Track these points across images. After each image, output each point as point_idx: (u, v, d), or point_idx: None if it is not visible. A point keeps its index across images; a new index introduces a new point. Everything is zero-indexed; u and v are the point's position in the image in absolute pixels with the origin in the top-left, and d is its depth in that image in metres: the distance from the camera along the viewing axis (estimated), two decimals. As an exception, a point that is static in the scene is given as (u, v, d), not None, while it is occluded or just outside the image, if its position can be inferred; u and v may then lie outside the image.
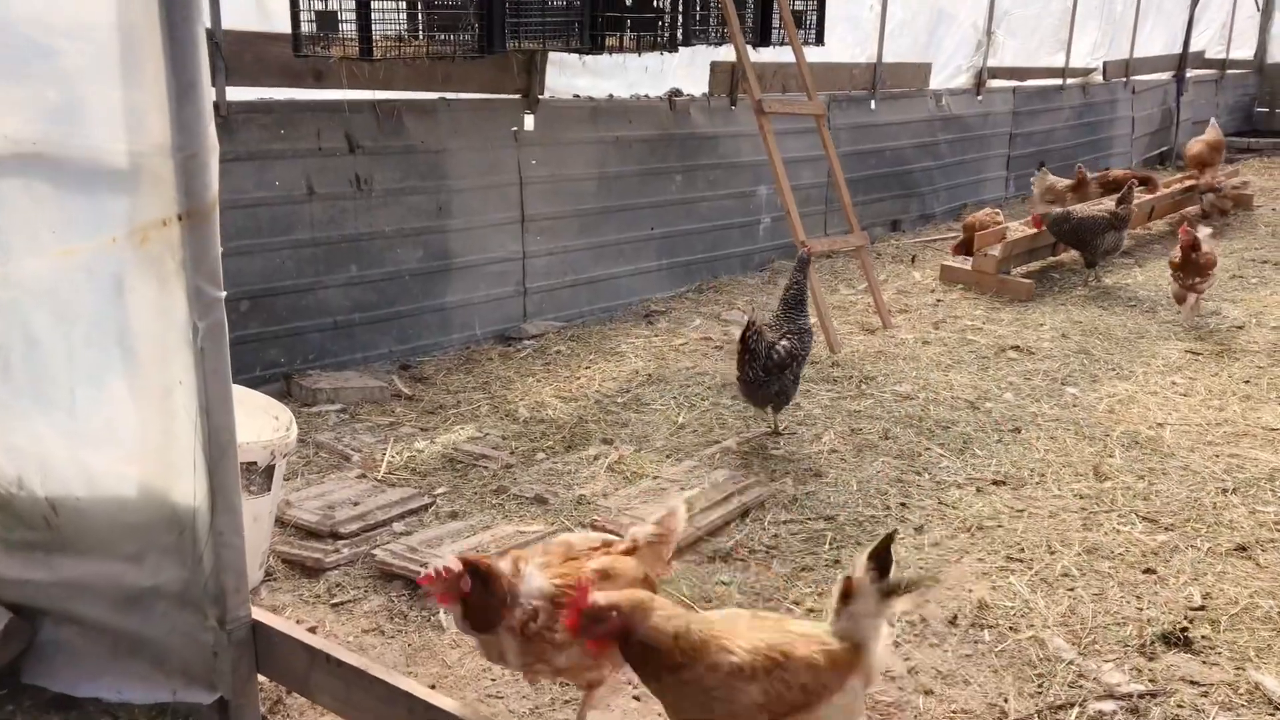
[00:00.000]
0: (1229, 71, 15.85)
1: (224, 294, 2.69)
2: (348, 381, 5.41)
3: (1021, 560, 3.81)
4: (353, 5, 4.84)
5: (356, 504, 4.12)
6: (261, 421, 3.80)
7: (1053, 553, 3.85)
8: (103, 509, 2.96)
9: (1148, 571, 3.72)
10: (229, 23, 5.06)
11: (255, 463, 3.49)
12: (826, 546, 3.91)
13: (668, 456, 4.70)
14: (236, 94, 5.19)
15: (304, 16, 4.98)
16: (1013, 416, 5.22)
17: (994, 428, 5.08)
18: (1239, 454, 4.77)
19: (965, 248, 8.00)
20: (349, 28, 4.95)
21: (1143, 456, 4.73)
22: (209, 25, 4.97)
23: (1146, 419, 5.21)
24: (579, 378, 5.76)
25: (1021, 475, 4.54)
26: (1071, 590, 3.60)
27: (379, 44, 4.94)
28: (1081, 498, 4.32)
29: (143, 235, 2.64)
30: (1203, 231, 6.97)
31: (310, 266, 5.56)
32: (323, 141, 5.50)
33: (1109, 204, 8.07)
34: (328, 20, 4.96)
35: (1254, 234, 9.77)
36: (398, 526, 4.03)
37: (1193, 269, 6.70)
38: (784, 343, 4.80)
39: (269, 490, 3.58)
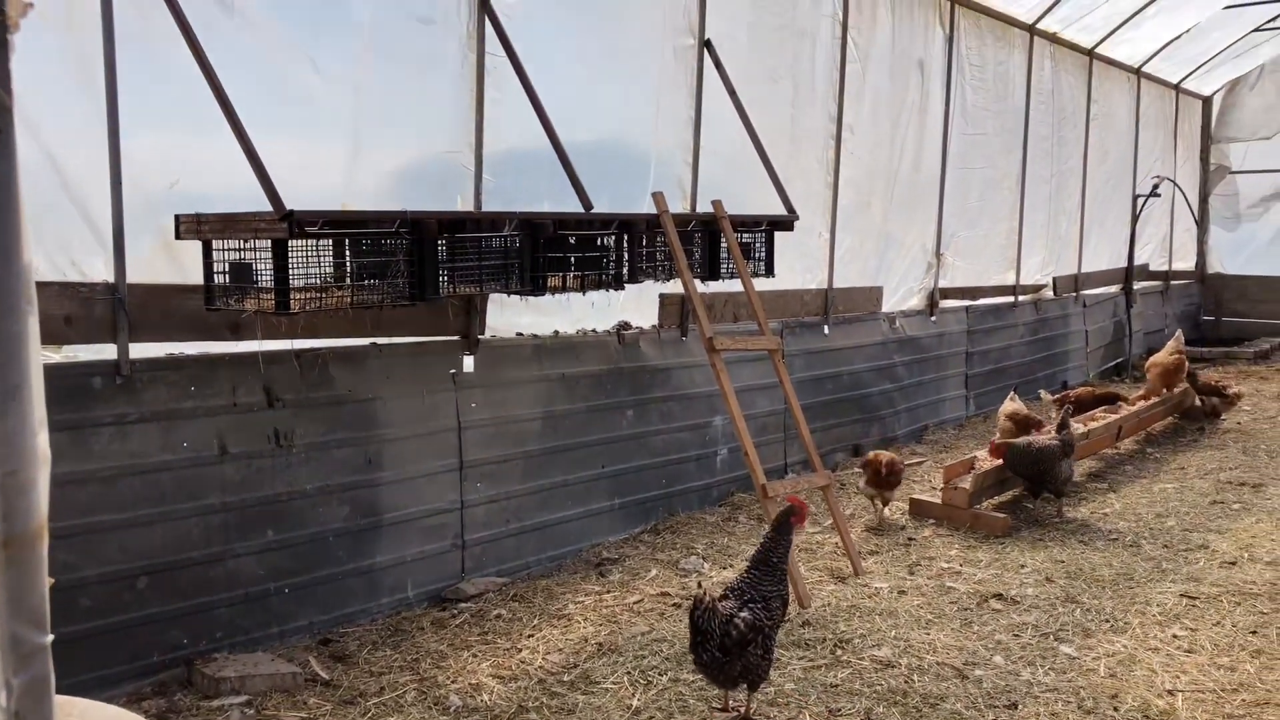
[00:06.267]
0: (1173, 282, 16.11)
1: (50, 638, 2.14)
2: (257, 667, 4.76)
3: None
4: (269, 256, 4.49)
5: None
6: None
7: None
8: None
9: None
10: (136, 276, 4.69)
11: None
12: None
13: (620, 756, 4.08)
14: (143, 350, 4.77)
15: (217, 269, 4.62)
16: (1006, 687, 4.66)
17: (988, 704, 4.51)
18: (1265, 731, 4.24)
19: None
20: (267, 279, 4.59)
21: (1159, 738, 4.18)
22: (111, 279, 4.61)
23: (1154, 685, 4.67)
24: (520, 649, 5.15)
25: (1026, 768, 3.97)
26: None
27: (299, 295, 4.56)
28: (1099, 799, 3.74)
29: (-51, 572, 2.12)
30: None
31: (220, 534, 5.00)
32: (238, 397, 5.05)
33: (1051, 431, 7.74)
34: (243, 272, 4.59)
35: (1225, 450, 9.50)
36: None
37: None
38: (744, 614, 4.25)
39: None
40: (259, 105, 4.75)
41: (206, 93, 4.40)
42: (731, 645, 4.16)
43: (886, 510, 7.35)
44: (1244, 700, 4.54)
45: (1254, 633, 5.29)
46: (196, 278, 4.72)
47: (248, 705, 4.53)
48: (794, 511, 4.71)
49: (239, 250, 4.60)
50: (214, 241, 4.61)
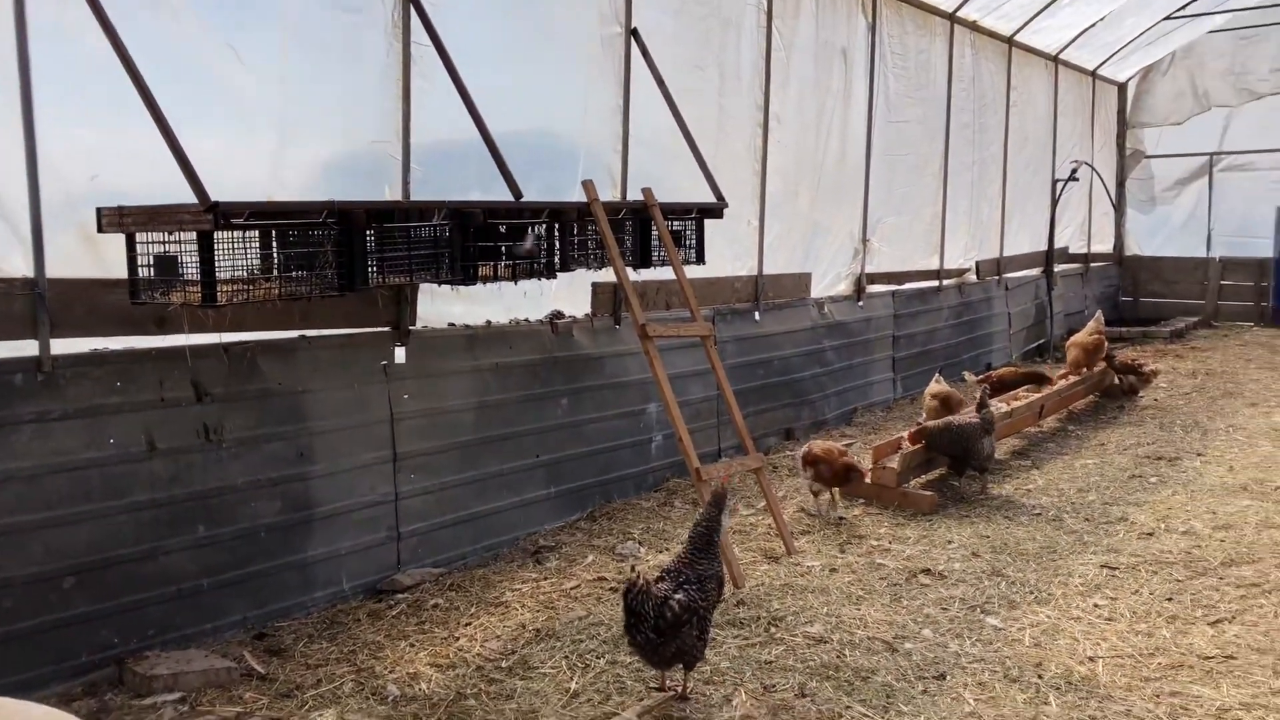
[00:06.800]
0: (1092, 265, 16.54)
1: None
2: (190, 663, 4.72)
3: None
4: (195, 249, 4.43)
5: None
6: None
7: (1003, 843, 3.36)
8: None
9: None
10: (56, 271, 4.61)
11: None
12: None
13: (559, 739, 4.12)
14: (66, 346, 4.69)
15: (142, 262, 4.55)
16: (935, 659, 4.80)
17: (917, 675, 4.64)
18: (1180, 692, 4.41)
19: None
20: (193, 271, 4.53)
21: (1080, 703, 4.33)
22: (31, 275, 4.52)
23: (1075, 653, 4.84)
24: (458, 638, 5.16)
25: (954, 735, 4.09)
26: None
27: (225, 288, 4.51)
28: (1023, 762, 3.87)
29: None
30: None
31: (150, 531, 4.94)
32: (165, 391, 4.98)
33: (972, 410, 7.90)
34: (168, 265, 4.53)
35: (1143, 426, 9.81)
36: None
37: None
38: (679, 596, 4.32)
39: None
40: (182, 97, 4.68)
41: (127, 84, 4.32)
42: (666, 627, 4.22)
43: (826, 495, 7.34)
44: (1160, 664, 4.72)
45: (1169, 599, 5.50)
46: (120, 272, 4.64)
47: (181, 702, 4.49)
48: (726, 493, 4.79)
49: (164, 243, 4.53)
50: (138, 234, 4.54)
